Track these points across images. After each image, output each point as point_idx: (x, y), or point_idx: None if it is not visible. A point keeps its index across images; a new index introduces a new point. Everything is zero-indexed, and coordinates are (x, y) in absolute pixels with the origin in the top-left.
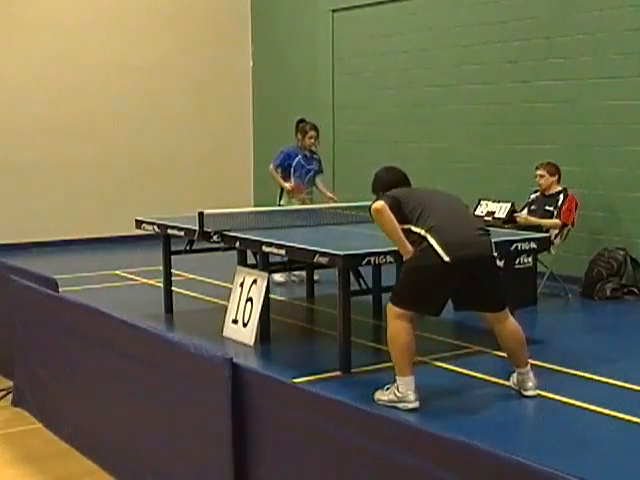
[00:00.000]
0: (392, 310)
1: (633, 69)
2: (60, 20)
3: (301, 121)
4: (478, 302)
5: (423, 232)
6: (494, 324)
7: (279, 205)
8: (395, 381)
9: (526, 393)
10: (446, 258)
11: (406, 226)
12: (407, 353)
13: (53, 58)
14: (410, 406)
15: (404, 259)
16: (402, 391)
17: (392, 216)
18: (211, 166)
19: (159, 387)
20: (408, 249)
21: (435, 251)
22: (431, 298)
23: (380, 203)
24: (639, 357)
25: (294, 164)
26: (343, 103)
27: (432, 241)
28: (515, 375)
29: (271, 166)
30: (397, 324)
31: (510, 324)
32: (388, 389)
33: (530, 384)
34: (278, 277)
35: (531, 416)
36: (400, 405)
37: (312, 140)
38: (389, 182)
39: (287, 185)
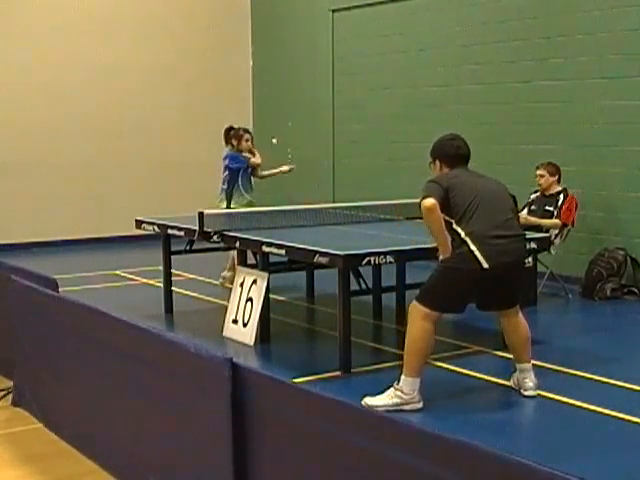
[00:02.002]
0: (419, 309)
1: (633, 69)
2: (61, 22)
3: (231, 128)
4: (500, 302)
5: (463, 234)
6: (502, 318)
7: (229, 208)
8: (398, 383)
9: (526, 393)
10: (485, 265)
11: (448, 219)
12: (424, 356)
13: (53, 59)
14: (418, 406)
15: (441, 258)
16: (408, 392)
17: (441, 216)
18: (211, 166)
19: (159, 387)
20: (448, 250)
21: (475, 256)
22: (461, 300)
23: (431, 202)
24: (639, 357)
25: (240, 167)
26: (343, 103)
27: (472, 247)
28: (516, 374)
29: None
30: (423, 325)
31: (519, 319)
32: (385, 393)
33: (530, 384)
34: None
35: (531, 416)
36: (408, 407)
37: (248, 143)
38: (450, 156)
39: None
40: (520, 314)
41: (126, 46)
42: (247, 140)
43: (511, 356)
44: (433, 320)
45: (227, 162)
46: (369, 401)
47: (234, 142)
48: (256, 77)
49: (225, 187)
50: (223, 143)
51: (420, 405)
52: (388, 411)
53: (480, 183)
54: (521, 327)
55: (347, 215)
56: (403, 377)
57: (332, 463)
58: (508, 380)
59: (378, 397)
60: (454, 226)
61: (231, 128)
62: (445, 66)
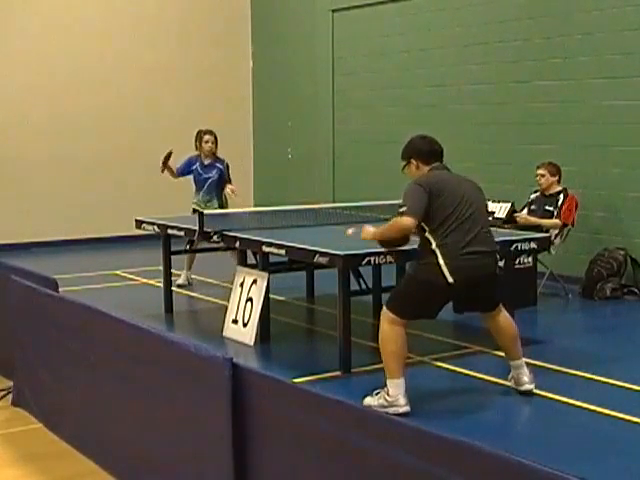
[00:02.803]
0: (387, 315)
1: (633, 69)
2: (61, 21)
3: (199, 132)
4: (475, 306)
5: (434, 245)
6: (487, 320)
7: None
8: (385, 385)
9: (521, 388)
10: (450, 280)
11: (423, 224)
12: (398, 356)
13: (53, 59)
14: (401, 410)
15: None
16: (392, 394)
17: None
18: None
19: (159, 387)
20: (376, 235)
21: (441, 270)
22: (429, 309)
23: (409, 223)
24: (639, 357)
25: (193, 171)
26: (343, 103)
27: (441, 260)
28: (511, 372)
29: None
30: (390, 328)
31: (502, 318)
32: (378, 394)
33: (525, 378)
34: (181, 280)
35: (531, 416)
36: (391, 410)
37: (209, 144)
38: (425, 152)
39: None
40: (503, 312)
41: (126, 46)
42: (207, 142)
43: None
44: (401, 324)
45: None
46: (366, 400)
47: (197, 144)
48: (256, 77)
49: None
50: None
51: (403, 410)
52: (376, 410)
53: (462, 190)
54: (506, 325)
55: (347, 215)
56: (388, 381)
57: (332, 463)
58: (507, 380)
59: (371, 396)
60: (427, 234)
61: (199, 131)
62: (445, 66)
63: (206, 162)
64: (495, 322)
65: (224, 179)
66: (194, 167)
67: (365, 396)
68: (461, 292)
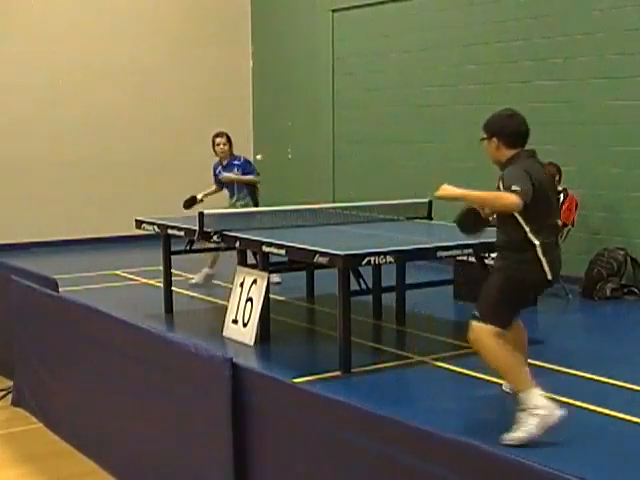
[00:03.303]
0: (485, 329)
1: (633, 69)
2: (61, 23)
3: (212, 136)
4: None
5: (534, 240)
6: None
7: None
8: (521, 404)
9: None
10: (550, 277)
11: (522, 221)
12: (519, 365)
13: (53, 59)
14: (559, 414)
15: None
16: (540, 404)
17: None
18: (211, 166)
19: (159, 387)
20: (450, 196)
21: (542, 266)
22: (520, 310)
23: (518, 201)
24: (639, 357)
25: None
26: (343, 103)
27: (541, 256)
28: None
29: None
30: (494, 343)
31: (521, 323)
32: (520, 422)
33: None
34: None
35: None
36: (550, 419)
37: (220, 146)
38: (511, 134)
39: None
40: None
41: (125, 46)
42: (218, 144)
43: None
44: (501, 333)
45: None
46: (510, 437)
47: (213, 149)
48: (256, 77)
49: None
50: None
51: (560, 412)
52: (533, 435)
53: (547, 180)
54: (524, 330)
55: (347, 215)
56: (521, 395)
57: (332, 463)
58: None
59: (515, 427)
60: (524, 227)
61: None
62: (445, 66)
63: (224, 163)
64: (519, 326)
65: (249, 174)
66: (217, 172)
67: (502, 435)
68: (541, 291)
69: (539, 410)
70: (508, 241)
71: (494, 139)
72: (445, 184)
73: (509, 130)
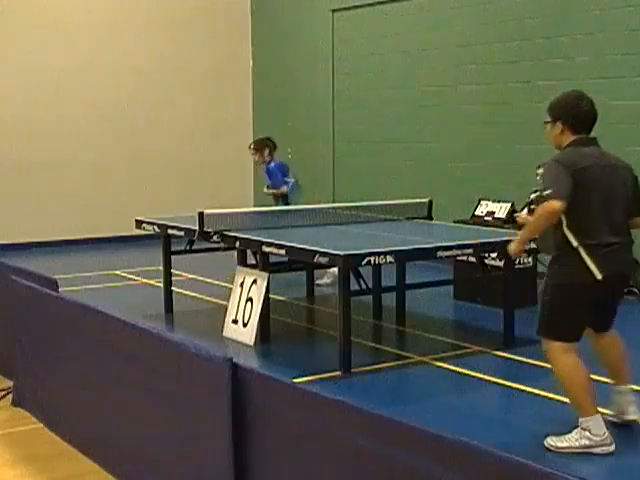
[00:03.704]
0: (553, 346)
1: (633, 69)
2: (59, 21)
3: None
4: (600, 321)
5: (575, 243)
6: (599, 337)
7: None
8: (582, 423)
9: (626, 417)
10: (599, 276)
11: (562, 218)
12: (589, 389)
13: (53, 59)
14: (611, 449)
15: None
16: (597, 433)
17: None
18: (211, 166)
19: (159, 387)
20: (522, 249)
21: (587, 267)
22: (583, 319)
23: (558, 206)
24: (639, 357)
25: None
26: (343, 103)
27: (585, 256)
28: (614, 398)
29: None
30: (566, 360)
31: (611, 333)
32: (571, 433)
33: (631, 408)
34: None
35: (531, 416)
36: (599, 450)
37: (252, 156)
38: (580, 118)
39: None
40: (613, 329)
41: (125, 46)
42: (252, 155)
43: (511, 356)
44: (573, 349)
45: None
46: (553, 441)
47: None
48: (256, 77)
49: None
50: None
51: (612, 448)
52: (574, 453)
53: (607, 172)
54: (615, 342)
55: (347, 215)
56: (582, 419)
57: (332, 463)
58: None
59: (564, 437)
60: (566, 233)
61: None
62: (445, 66)
63: (264, 172)
64: (604, 338)
65: (276, 181)
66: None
67: (547, 435)
68: (606, 294)
69: (594, 437)
70: (553, 243)
71: (558, 123)
72: (509, 247)
73: (575, 113)
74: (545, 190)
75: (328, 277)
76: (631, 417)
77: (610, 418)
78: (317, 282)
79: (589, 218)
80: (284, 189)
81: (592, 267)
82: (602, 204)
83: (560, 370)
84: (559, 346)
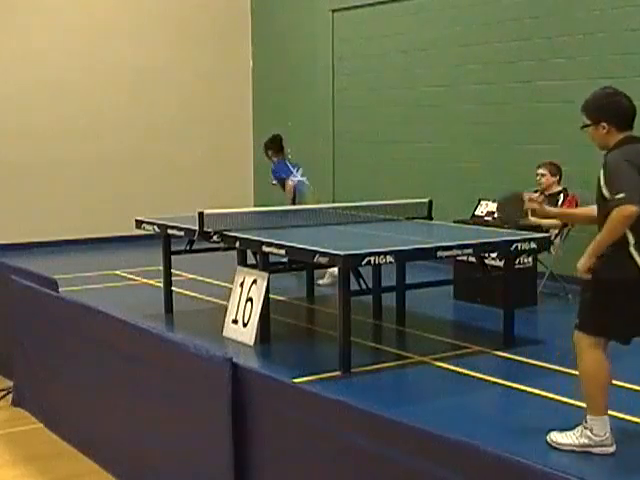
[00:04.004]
0: (583, 339)
1: (633, 69)
2: (59, 21)
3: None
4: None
5: (633, 241)
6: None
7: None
8: (586, 421)
9: None
10: None
11: None
12: (606, 390)
13: (53, 59)
14: (610, 450)
15: (585, 271)
16: (598, 433)
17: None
18: (211, 166)
19: (159, 387)
20: (591, 262)
21: (633, 259)
22: (627, 319)
23: (634, 209)
24: (639, 357)
25: None
26: (343, 103)
27: (634, 251)
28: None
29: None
30: (594, 355)
31: None
32: (573, 430)
33: None
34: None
35: (531, 416)
36: (597, 450)
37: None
38: (626, 115)
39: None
40: None
41: (125, 47)
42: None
43: (511, 356)
44: (601, 347)
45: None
46: (555, 437)
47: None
48: (256, 77)
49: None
50: (278, 152)
51: (612, 449)
52: (574, 451)
53: None
54: None
55: (347, 215)
56: (589, 417)
57: (332, 463)
58: (511, 382)
59: (565, 433)
60: (627, 234)
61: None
62: (445, 66)
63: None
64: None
65: (279, 179)
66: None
67: (550, 430)
68: None
69: (594, 437)
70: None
71: (603, 123)
72: (580, 265)
73: (620, 110)
74: (618, 194)
75: (327, 277)
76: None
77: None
78: (318, 282)
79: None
80: (289, 184)
81: (638, 259)
82: None
83: (585, 364)
84: (591, 341)
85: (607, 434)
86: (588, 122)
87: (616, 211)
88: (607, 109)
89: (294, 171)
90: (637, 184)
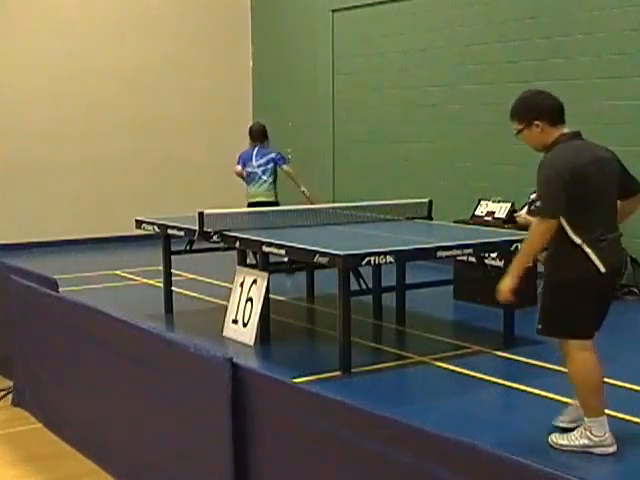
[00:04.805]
0: (572, 345)
1: (633, 69)
2: (59, 22)
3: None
4: (599, 321)
5: (578, 240)
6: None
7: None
8: (584, 423)
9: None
10: (603, 269)
11: (562, 219)
12: (600, 389)
13: (53, 59)
14: (610, 450)
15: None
16: (597, 434)
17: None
18: (211, 166)
19: (159, 387)
20: (514, 282)
21: (590, 260)
22: (594, 313)
23: (550, 225)
24: (638, 357)
25: None
26: (343, 103)
27: (587, 249)
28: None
29: (287, 167)
30: (583, 357)
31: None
32: (574, 431)
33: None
34: None
35: (531, 416)
36: (597, 450)
37: None
38: (553, 109)
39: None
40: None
41: (125, 46)
42: None
43: (511, 356)
44: (589, 347)
45: (276, 157)
46: (555, 439)
47: (266, 139)
48: (256, 77)
49: (271, 180)
50: (253, 140)
51: (612, 449)
52: (574, 452)
53: (599, 166)
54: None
55: (347, 215)
56: (587, 419)
57: (332, 463)
58: (510, 381)
59: (566, 435)
60: (567, 230)
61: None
62: (445, 66)
63: None
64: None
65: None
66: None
67: (551, 433)
68: (606, 289)
69: (594, 438)
70: (554, 241)
71: (536, 122)
72: (500, 287)
73: (548, 106)
74: (537, 201)
75: None
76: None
77: (562, 424)
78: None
79: (589, 213)
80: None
81: (596, 261)
82: (599, 199)
83: (576, 368)
84: (577, 344)
85: (606, 434)
86: (520, 126)
87: (535, 224)
88: (536, 107)
89: (254, 160)
90: (558, 197)
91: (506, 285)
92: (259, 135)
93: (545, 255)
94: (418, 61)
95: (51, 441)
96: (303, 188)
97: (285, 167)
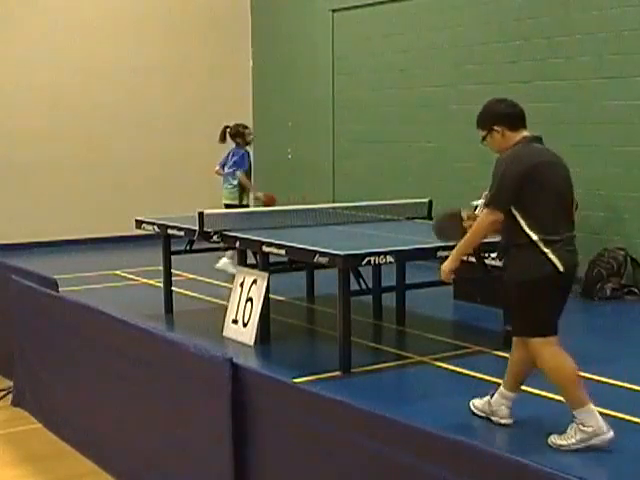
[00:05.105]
0: (534, 343)
1: (633, 69)
2: (58, 22)
3: (239, 125)
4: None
5: (535, 237)
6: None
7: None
8: (573, 418)
9: (502, 421)
10: (561, 268)
11: (518, 216)
12: (577, 379)
13: (53, 59)
14: (608, 437)
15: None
16: (590, 424)
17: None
18: (211, 166)
19: (159, 387)
20: (455, 265)
21: (549, 259)
22: (552, 311)
23: (495, 218)
24: (639, 357)
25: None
26: (343, 103)
27: (545, 249)
28: (496, 399)
29: (239, 173)
30: (551, 351)
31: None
32: (568, 430)
33: (508, 412)
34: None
35: (531, 416)
36: (596, 440)
37: (251, 136)
38: (511, 116)
39: (260, 194)
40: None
41: (125, 46)
42: (249, 134)
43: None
44: (555, 342)
45: (238, 161)
46: (555, 440)
47: (239, 140)
48: (256, 77)
49: (236, 183)
50: (225, 140)
51: (610, 435)
52: (578, 449)
53: (556, 169)
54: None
55: (347, 215)
56: (575, 412)
57: (332, 463)
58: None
59: (563, 435)
60: (525, 228)
61: (239, 125)
62: (445, 66)
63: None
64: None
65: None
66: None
67: (550, 435)
68: (564, 288)
69: (589, 429)
70: (509, 239)
71: (496, 127)
72: (442, 267)
73: (505, 112)
74: (490, 195)
75: (228, 256)
76: (503, 421)
77: (473, 407)
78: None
79: (548, 213)
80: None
81: (555, 260)
82: (557, 198)
83: (548, 364)
84: (543, 341)
85: (599, 422)
86: (483, 133)
87: (484, 215)
88: (495, 114)
89: (228, 162)
90: (509, 190)
91: (447, 266)
92: (233, 137)
93: (504, 257)
94: (418, 61)
95: (51, 441)
96: (259, 194)
97: (238, 173)
